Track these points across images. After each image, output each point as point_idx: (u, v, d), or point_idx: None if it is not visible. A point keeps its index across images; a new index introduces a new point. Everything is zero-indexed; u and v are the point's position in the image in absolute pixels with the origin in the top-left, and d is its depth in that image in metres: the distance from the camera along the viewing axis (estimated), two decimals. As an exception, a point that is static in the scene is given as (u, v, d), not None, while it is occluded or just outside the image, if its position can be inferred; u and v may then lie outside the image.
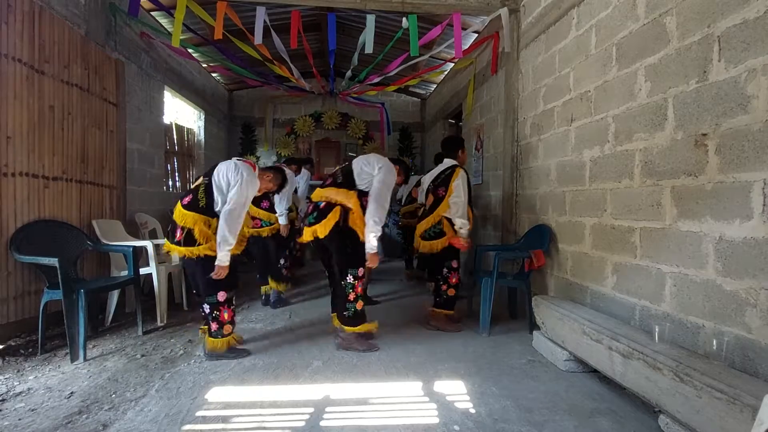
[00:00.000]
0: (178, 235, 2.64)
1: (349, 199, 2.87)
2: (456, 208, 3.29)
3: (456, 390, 2.32)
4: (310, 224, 2.91)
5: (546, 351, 2.81)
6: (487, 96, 4.95)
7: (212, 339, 2.68)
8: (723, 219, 1.89)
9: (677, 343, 2.07)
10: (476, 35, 5.18)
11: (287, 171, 4.22)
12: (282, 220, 4.04)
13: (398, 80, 6.65)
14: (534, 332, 3.02)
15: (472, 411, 2.08)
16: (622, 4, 2.56)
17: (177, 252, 2.68)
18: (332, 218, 2.84)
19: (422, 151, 8.81)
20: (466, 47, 5.06)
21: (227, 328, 2.69)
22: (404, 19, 4.34)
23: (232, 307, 2.73)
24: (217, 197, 2.65)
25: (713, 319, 1.93)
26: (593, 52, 2.86)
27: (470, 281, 3.90)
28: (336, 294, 3.04)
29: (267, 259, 4.04)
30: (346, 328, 2.89)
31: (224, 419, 1.98)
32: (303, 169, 5.43)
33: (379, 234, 2.82)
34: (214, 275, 2.58)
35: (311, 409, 2.07)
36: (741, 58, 1.81)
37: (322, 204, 2.91)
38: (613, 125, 2.64)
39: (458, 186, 3.30)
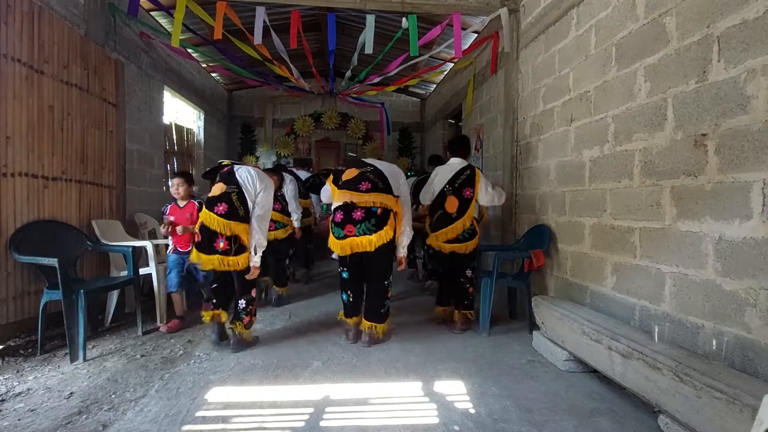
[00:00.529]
0: (222, 245, 2.69)
1: (396, 207, 2.97)
2: (492, 200, 3.44)
3: (456, 390, 2.32)
4: (370, 231, 2.83)
5: (546, 351, 2.82)
6: (487, 96, 4.95)
7: (248, 331, 2.91)
8: (722, 219, 1.89)
9: (677, 343, 2.07)
10: (476, 35, 5.18)
11: (287, 176, 4.38)
12: (296, 223, 4.29)
13: (398, 80, 6.65)
14: (534, 332, 3.02)
15: (472, 411, 2.09)
16: (622, 4, 2.56)
17: (228, 264, 2.70)
18: (392, 225, 2.91)
19: (422, 151, 8.81)
20: (466, 47, 5.07)
21: (254, 319, 3.00)
22: (404, 19, 4.34)
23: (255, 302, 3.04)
24: (250, 204, 2.82)
25: (713, 319, 1.93)
26: (593, 52, 2.86)
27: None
28: (368, 295, 3.05)
29: (268, 262, 4.04)
30: (379, 326, 2.98)
31: (224, 419, 1.98)
32: (303, 171, 5.45)
33: (409, 241, 3.10)
34: (248, 276, 2.84)
35: (311, 410, 2.07)
36: (740, 58, 1.82)
37: (379, 210, 2.88)
38: (613, 125, 2.64)
39: (485, 186, 3.38)
